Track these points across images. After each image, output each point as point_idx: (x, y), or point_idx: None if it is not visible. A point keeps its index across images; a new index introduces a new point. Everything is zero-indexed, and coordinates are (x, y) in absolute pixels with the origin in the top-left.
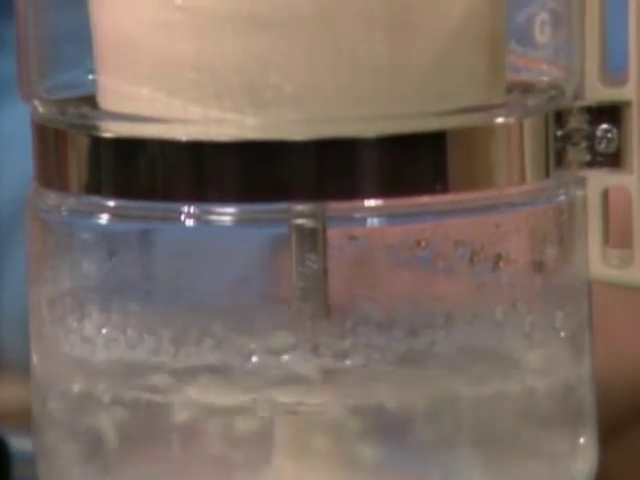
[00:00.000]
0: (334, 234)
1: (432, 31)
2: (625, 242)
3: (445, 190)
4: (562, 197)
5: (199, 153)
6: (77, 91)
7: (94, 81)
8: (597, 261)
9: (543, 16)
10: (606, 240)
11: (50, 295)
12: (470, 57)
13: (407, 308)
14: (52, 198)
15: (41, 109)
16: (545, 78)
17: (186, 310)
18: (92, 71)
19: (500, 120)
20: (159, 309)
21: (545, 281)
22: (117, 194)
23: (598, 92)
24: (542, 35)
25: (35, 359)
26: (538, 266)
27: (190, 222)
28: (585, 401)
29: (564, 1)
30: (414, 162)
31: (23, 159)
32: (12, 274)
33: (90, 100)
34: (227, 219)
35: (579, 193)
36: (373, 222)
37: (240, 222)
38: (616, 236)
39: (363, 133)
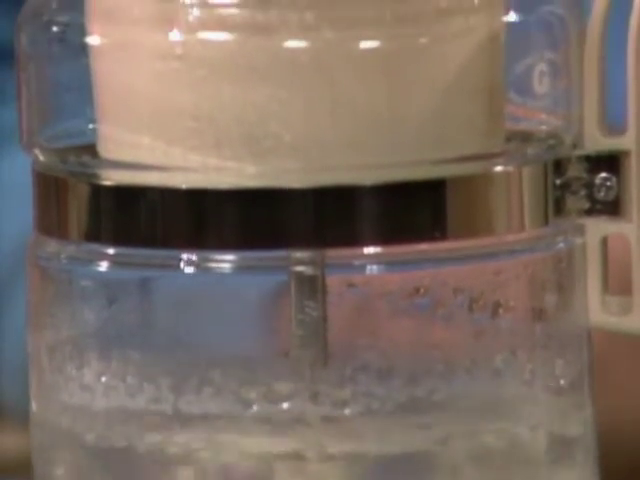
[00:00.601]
0: (333, 281)
1: (430, 80)
2: (624, 289)
3: (444, 237)
4: (561, 245)
5: (198, 201)
6: (78, 140)
7: (94, 130)
8: (597, 308)
9: (542, 67)
10: (605, 287)
11: (50, 343)
12: (469, 106)
13: (406, 356)
14: (52, 246)
15: (42, 158)
16: (544, 127)
17: (186, 358)
18: (93, 120)
19: (499, 168)
20: (159, 357)
21: (545, 328)
22: (117, 241)
23: (597, 141)
24: (541, 86)
25: (35, 407)
26: (537, 313)
27: (189, 269)
28: (586, 451)
29: (563, 52)
30: (413, 210)
31: (23, 209)
32: (12, 322)
33: (90, 149)
34: (226, 266)
35: (578, 241)
36: (372, 269)
37: (239, 269)
38: (615, 283)
39: (362, 181)
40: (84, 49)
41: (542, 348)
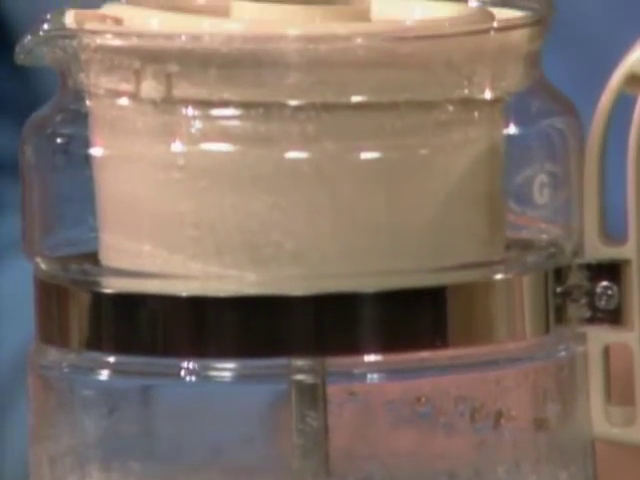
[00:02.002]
0: (334, 390)
1: (431, 190)
2: (627, 399)
3: (445, 346)
4: (562, 353)
5: (199, 309)
6: (79, 248)
7: (96, 238)
8: (600, 419)
9: (542, 178)
10: (608, 397)
11: (51, 453)
12: (469, 215)
13: (409, 466)
14: (53, 354)
15: (43, 266)
16: (544, 236)
17: (187, 468)
18: (94, 229)
19: (499, 276)
20: (159, 467)
21: (548, 439)
22: (118, 350)
23: (598, 250)
24: (541, 196)
25: None
26: (540, 423)
27: (190, 378)
28: None
29: (563, 164)
30: (414, 317)
31: (24, 319)
32: (13, 434)
33: (92, 257)
34: (227, 375)
35: (580, 349)
36: (373, 378)
37: (240, 378)
38: (618, 393)
39: (362, 288)
40: (87, 160)
41: (545, 459)
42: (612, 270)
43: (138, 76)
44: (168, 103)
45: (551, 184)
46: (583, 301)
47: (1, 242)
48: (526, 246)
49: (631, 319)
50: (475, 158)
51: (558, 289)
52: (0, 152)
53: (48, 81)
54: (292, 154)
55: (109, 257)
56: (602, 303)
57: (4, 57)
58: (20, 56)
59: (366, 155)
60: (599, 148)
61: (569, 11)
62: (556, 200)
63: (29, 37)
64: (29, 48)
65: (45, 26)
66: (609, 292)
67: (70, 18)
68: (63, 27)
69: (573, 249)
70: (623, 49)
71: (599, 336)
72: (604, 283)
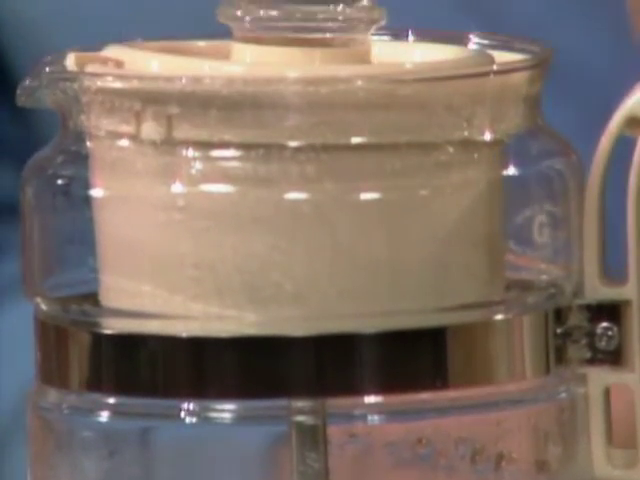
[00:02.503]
0: (335, 431)
1: (430, 231)
2: (629, 441)
3: (445, 387)
4: (563, 394)
5: (199, 349)
6: (80, 289)
7: (96, 279)
8: (601, 461)
9: (542, 218)
10: (609, 439)
11: None
12: (469, 255)
13: None
14: (53, 395)
15: (44, 307)
16: (544, 277)
17: None
18: (95, 270)
19: (500, 317)
20: None
21: None
22: (117, 391)
23: (598, 291)
24: (541, 236)
25: None
26: (541, 465)
27: (190, 419)
28: None
29: (562, 205)
30: (414, 358)
31: (24, 360)
32: (13, 475)
33: (92, 298)
34: (227, 416)
35: (580, 390)
36: (374, 419)
37: (240, 419)
38: (620, 435)
39: (362, 329)
40: (87, 201)
41: None
42: (612, 311)
43: (139, 118)
44: (168, 144)
45: (551, 224)
46: (583, 342)
47: (1, 283)
48: (526, 286)
49: (632, 360)
50: (475, 199)
51: (558, 330)
52: (1, 195)
53: (48, 124)
54: (292, 195)
55: (109, 298)
56: (602, 344)
57: (5, 100)
58: (21, 98)
59: (366, 196)
60: (599, 189)
61: (569, 54)
62: (556, 240)
63: (30, 79)
64: (30, 90)
65: (46, 68)
66: (609, 333)
67: (71, 61)
68: (64, 70)
69: (573, 290)
70: (623, 92)
71: (600, 377)
72: (604, 324)
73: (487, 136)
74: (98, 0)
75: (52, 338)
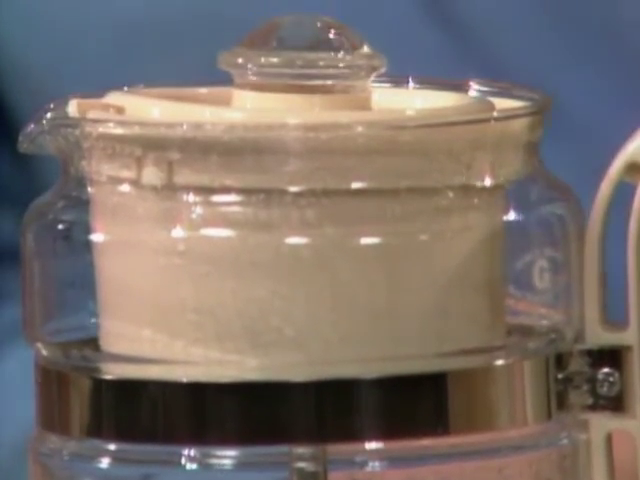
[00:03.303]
0: (336, 478)
1: (431, 276)
2: None
3: (446, 433)
4: (565, 440)
5: (200, 395)
6: (80, 334)
7: (97, 324)
8: None
9: (542, 263)
10: None
11: None
12: (469, 300)
13: None
14: (54, 441)
15: (44, 352)
16: (545, 321)
17: None
18: (95, 314)
19: (500, 362)
20: None
21: None
22: (118, 437)
23: (599, 336)
24: (541, 281)
25: None
26: None
27: (191, 466)
28: None
29: (563, 249)
30: (415, 404)
31: (25, 406)
32: None
33: (92, 342)
34: (228, 462)
35: (582, 437)
36: (375, 466)
37: (241, 465)
38: None
39: (363, 375)
40: (88, 246)
41: None
42: (613, 356)
43: (139, 163)
44: (169, 189)
45: (551, 269)
46: (585, 388)
47: (2, 329)
48: (527, 332)
49: (633, 406)
50: (475, 244)
51: (559, 375)
52: (1, 241)
53: (49, 171)
54: (292, 239)
55: (109, 343)
56: (604, 390)
57: (6, 146)
58: (23, 144)
59: (366, 240)
60: (599, 235)
61: (569, 100)
62: (556, 285)
63: (32, 125)
64: (32, 136)
65: (48, 115)
66: (611, 379)
67: (73, 107)
68: (66, 116)
69: (574, 335)
70: (622, 138)
71: (601, 423)
72: (605, 369)
73: (487, 181)
74: (99, 47)
75: (52, 384)
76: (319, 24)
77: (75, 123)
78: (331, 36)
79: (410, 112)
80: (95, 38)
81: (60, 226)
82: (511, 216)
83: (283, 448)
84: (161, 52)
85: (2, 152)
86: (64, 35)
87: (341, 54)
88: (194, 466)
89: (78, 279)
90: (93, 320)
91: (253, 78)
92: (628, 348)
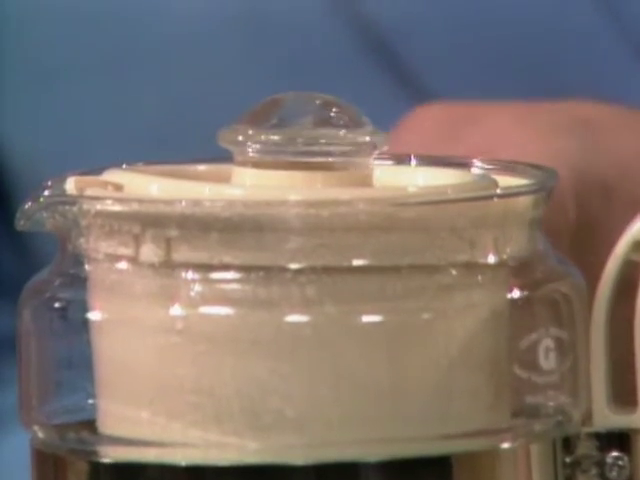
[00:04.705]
0: None
1: (433, 355)
2: None
3: None
4: None
5: (198, 478)
6: (77, 416)
7: (94, 405)
8: None
9: (547, 342)
10: None
11: None
12: (473, 380)
13: None
14: None
15: (41, 435)
16: (551, 403)
17: None
18: (92, 395)
19: (506, 445)
20: None
21: None
22: None
23: (607, 419)
24: (547, 361)
25: None
26: None
27: None
28: None
29: (569, 329)
30: None
31: None
32: None
33: (90, 425)
34: None
35: None
36: None
37: None
38: None
39: (365, 457)
40: (85, 325)
41: None
42: (623, 439)
43: (137, 240)
44: (167, 267)
45: (557, 349)
46: (593, 472)
47: (3, 415)
48: (533, 413)
49: None
50: (479, 322)
51: (567, 459)
52: (2, 325)
53: (46, 254)
54: (292, 317)
55: (107, 425)
56: (613, 474)
57: (2, 228)
58: (20, 222)
59: (367, 318)
60: (605, 314)
61: None
62: (562, 366)
63: (30, 203)
64: (30, 213)
65: (46, 192)
66: (620, 463)
67: (71, 184)
68: (64, 193)
69: (581, 417)
70: None
71: None
72: (614, 453)
73: (491, 259)
74: (97, 127)
75: (49, 467)
76: (319, 101)
77: (73, 200)
78: (332, 113)
79: (412, 189)
80: (101, 130)
81: (57, 304)
82: (515, 294)
83: None
84: (159, 131)
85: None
86: (67, 126)
87: (343, 131)
88: None
89: (75, 359)
90: (90, 401)
91: (254, 155)
92: (637, 431)
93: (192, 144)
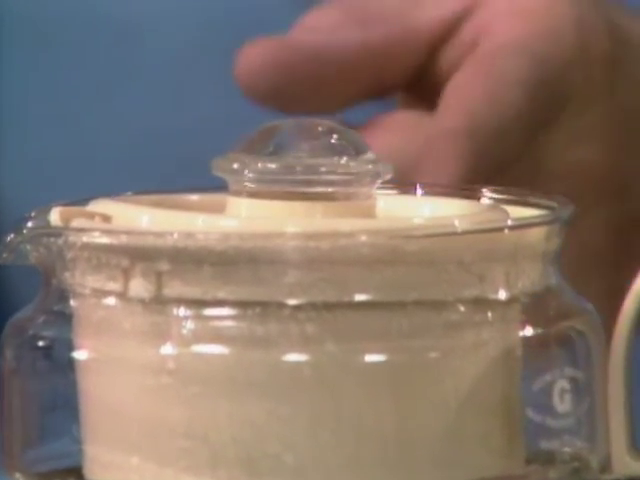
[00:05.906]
0: None
1: (441, 397)
2: None
3: None
4: None
5: None
6: (62, 462)
7: (80, 451)
8: None
9: (563, 384)
10: None
11: None
12: (484, 424)
13: None
14: None
15: None
16: (567, 449)
17: None
18: (79, 440)
19: None
20: None
21: None
22: None
23: (627, 466)
24: (562, 404)
25: None
26: None
27: None
28: None
29: (585, 368)
30: None
31: None
32: None
33: (76, 472)
34: None
35: None
36: None
37: None
38: None
39: None
40: (71, 365)
41: None
42: None
43: (126, 275)
44: (158, 303)
45: (573, 391)
46: None
47: None
48: (548, 460)
49: None
50: (489, 362)
51: None
52: None
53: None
54: (291, 357)
55: (94, 471)
56: None
57: None
58: (3, 255)
59: (371, 358)
60: (624, 353)
61: None
62: (579, 408)
63: (12, 235)
64: (12, 246)
65: (29, 223)
66: None
67: (56, 215)
68: (48, 225)
69: (600, 464)
70: None
71: None
72: None
73: (502, 294)
74: (84, 156)
75: None
76: (320, 128)
77: (58, 232)
78: (333, 141)
79: (417, 220)
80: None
81: (41, 343)
82: (528, 332)
83: None
84: (151, 157)
85: None
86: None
87: (344, 160)
88: None
89: (60, 401)
90: (76, 446)
91: (250, 185)
92: None
93: (183, 173)
